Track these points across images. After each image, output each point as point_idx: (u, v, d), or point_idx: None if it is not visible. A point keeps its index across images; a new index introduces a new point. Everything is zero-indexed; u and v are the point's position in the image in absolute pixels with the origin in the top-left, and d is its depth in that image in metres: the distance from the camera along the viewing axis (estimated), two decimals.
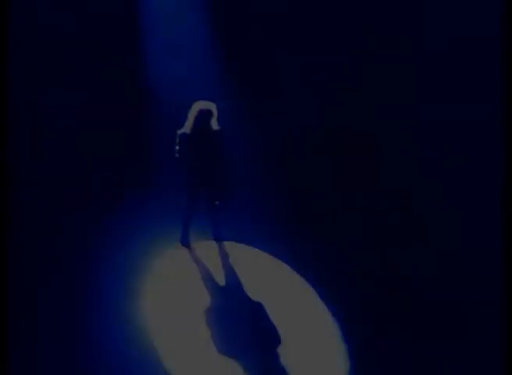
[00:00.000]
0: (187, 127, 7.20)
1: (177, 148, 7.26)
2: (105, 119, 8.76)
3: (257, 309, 6.78)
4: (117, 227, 7.55)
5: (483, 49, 8.94)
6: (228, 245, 7.57)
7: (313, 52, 9.43)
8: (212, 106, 7.16)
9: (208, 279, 7.15)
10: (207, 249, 7.53)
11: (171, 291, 6.99)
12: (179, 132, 7.22)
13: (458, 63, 9.12)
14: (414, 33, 9.50)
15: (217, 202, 7.51)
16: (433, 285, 6.86)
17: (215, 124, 7.21)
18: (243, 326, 6.61)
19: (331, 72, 9.30)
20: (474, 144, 8.33)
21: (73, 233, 7.50)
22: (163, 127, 8.36)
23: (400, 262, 7.11)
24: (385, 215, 7.72)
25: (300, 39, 9.49)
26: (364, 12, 9.71)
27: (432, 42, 9.39)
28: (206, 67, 9.19)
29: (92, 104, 8.85)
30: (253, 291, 6.96)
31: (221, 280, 7.16)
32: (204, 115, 7.12)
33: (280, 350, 6.34)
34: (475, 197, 7.74)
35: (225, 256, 7.48)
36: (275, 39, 9.46)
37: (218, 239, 7.64)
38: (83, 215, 7.75)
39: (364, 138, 8.65)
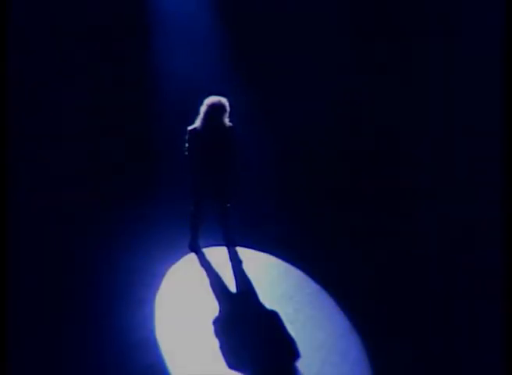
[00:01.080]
0: (198, 123, 6.64)
1: (187, 145, 6.70)
2: (112, 116, 8.23)
3: (273, 319, 6.17)
4: (121, 230, 7.02)
5: (485, 49, 8.67)
6: (240, 251, 7.00)
7: (322, 48, 8.97)
8: (225, 101, 6.60)
9: (218, 286, 6.57)
10: (217, 255, 6.97)
11: (178, 299, 6.40)
12: (190, 128, 6.67)
13: (460, 66, 8.80)
14: (420, 35, 9.16)
15: (229, 204, 6.94)
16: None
17: (227, 120, 6.65)
18: (256, 337, 6.00)
19: (340, 69, 8.87)
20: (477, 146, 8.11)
21: (76, 238, 7.03)
22: (172, 124, 7.83)
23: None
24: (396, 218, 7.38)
25: (310, 34, 9.02)
26: (369, 8, 9.31)
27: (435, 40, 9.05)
28: (217, 61, 8.67)
29: (98, 100, 8.33)
30: (268, 300, 6.36)
31: (232, 287, 6.57)
32: (217, 110, 6.58)
33: (298, 364, 5.71)
34: (478, 202, 7.48)
35: (237, 262, 6.89)
36: (285, 34, 8.98)
37: (230, 244, 7.05)
38: (86, 217, 7.29)
39: (370, 139, 8.40)
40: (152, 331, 5.94)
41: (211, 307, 6.27)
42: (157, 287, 6.45)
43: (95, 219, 7.23)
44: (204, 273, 6.74)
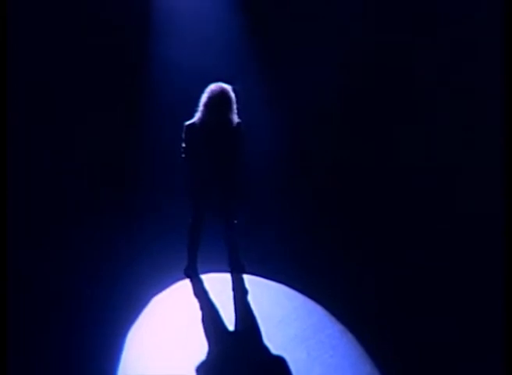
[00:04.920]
0: (198, 117, 5.16)
1: (184, 145, 5.20)
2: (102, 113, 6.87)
3: (280, 368, 4.50)
4: (99, 246, 5.53)
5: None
6: (248, 279, 5.43)
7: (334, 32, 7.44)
8: (230, 90, 5.11)
9: (214, 322, 4.97)
10: (218, 282, 5.41)
11: (157, 336, 4.80)
12: (187, 123, 5.19)
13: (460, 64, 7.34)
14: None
15: (235, 220, 5.37)
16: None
17: (234, 114, 5.14)
18: None
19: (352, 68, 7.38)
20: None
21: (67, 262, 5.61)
22: (167, 121, 6.36)
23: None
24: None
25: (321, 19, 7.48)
26: None
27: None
28: (224, 52, 7.20)
29: (95, 93, 6.94)
30: (275, 342, 4.71)
31: (230, 324, 4.95)
32: (221, 101, 5.10)
33: None
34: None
35: (241, 293, 5.30)
36: (298, 19, 7.48)
37: (236, 269, 5.49)
38: (76, 233, 5.95)
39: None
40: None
41: (200, 348, 4.63)
42: (133, 319, 4.87)
43: (81, 233, 5.85)
44: (197, 304, 5.15)
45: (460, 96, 6.97)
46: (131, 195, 6.26)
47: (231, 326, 4.90)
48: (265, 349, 4.66)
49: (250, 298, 5.21)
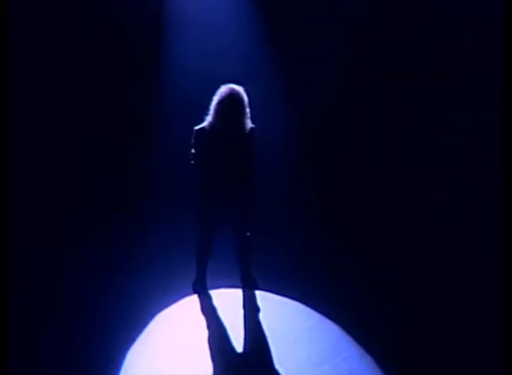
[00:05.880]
0: (208, 122, 4.79)
1: (193, 150, 4.84)
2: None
3: None
4: (104, 257, 5.19)
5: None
6: (261, 295, 5.02)
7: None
8: (243, 92, 4.73)
9: (220, 342, 4.57)
10: (228, 299, 5.01)
11: (159, 355, 4.42)
12: (197, 128, 4.82)
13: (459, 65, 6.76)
14: None
15: (248, 233, 4.99)
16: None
17: (246, 118, 4.77)
18: None
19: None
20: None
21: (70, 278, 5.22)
22: (177, 125, 6.01)
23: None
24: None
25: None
26: None
27: None
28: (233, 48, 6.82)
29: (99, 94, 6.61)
30: (287, 365, 4.30)
31: (239, 344, 4.54)
32: (231, 104, 4.72)
33: None
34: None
35: (252, 310, 4.90)
36: (313, 21, 7.00)
37: (248, 285, 5.10)
38: (78, 242, 5.58)
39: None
40: None
41: (205, 371, 4.25)
42: (134, 337, 4.51)
43: (85, 243, 5.53)
44: (204, 322, 4.75)
45: (461, 96, 6.55)
46: (137, 203, 5.90)
47: (240, 348, 4.50)
48: (276, 373, 4.26)
49: (261, 316, 4.81)
